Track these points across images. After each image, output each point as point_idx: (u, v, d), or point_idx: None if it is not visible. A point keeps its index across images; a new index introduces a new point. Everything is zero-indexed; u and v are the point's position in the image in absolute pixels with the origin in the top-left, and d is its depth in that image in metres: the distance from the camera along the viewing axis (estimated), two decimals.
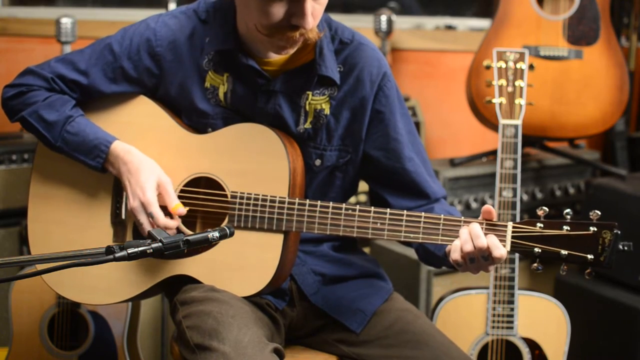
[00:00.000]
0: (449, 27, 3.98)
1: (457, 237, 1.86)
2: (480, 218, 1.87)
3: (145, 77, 2.05)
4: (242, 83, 2.03)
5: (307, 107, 2.04)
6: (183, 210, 1.97)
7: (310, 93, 2.03)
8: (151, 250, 1.55)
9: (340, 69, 2.04)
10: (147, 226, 1.95)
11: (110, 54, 2.04)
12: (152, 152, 2.03)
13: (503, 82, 2.55)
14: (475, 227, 1.82)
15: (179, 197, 2.02)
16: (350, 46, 2.05)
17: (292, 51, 1.95)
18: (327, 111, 2.04)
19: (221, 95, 2.03)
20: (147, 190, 1.95)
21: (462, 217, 1.87)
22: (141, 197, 1.95)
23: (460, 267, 1.87)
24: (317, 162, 2.07)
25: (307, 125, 2.04)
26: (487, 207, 1.85)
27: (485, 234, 1.82)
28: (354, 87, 2.05)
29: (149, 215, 1.94)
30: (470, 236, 1.82)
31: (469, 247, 1.82)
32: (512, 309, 2.51)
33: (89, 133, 2.01)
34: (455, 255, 1.84)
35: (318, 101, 2.03)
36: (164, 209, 1.97)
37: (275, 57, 2.01)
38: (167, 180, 1.99)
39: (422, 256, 2.11)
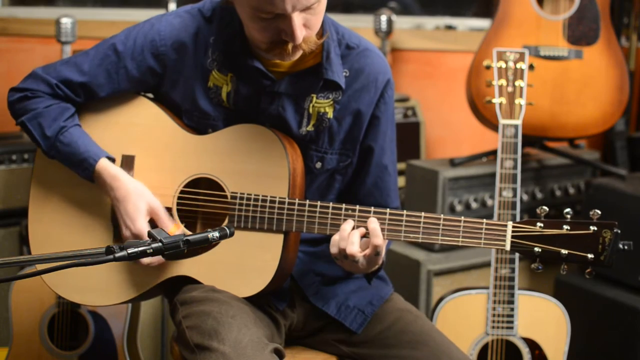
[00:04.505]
0: (449, 27, 3.98)
1: (457, 236, 1.86)
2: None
3: (149, 76, 2.05)
4: (246, 84, 2.02)
5: (311, 110, 2.04)
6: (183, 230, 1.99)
7: (314, 96, 2.03)
8: (151, 250, 1.55)
9: (346, 74, 2.04)
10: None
11: (114, 54, 2.04)
12: (152, 153, 2.03)
13: (503, 82, 2.54)
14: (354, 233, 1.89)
15: (179, 197, 2.02)
16: (357, 51, 2.06)
17: (294, 59, 1.95)
18: (330, 115, 2.04)
19: (224, 95, 2.03)
20: (137, 221, 1.96)
21: (462, 217, 1.87)
22: (132, 228, 1.96)
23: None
24: (318, 164, 2.07)
25: (310, 128, 2.04)
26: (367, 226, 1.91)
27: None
28: (359, 92, 2.05)
29: None
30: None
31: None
32: (512, 309, 2.51)
33: (79, 145, 2.01)
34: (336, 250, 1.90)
35: (322, 104, 2.03)
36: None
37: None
38: (157, 204, 1.99)
39: None
